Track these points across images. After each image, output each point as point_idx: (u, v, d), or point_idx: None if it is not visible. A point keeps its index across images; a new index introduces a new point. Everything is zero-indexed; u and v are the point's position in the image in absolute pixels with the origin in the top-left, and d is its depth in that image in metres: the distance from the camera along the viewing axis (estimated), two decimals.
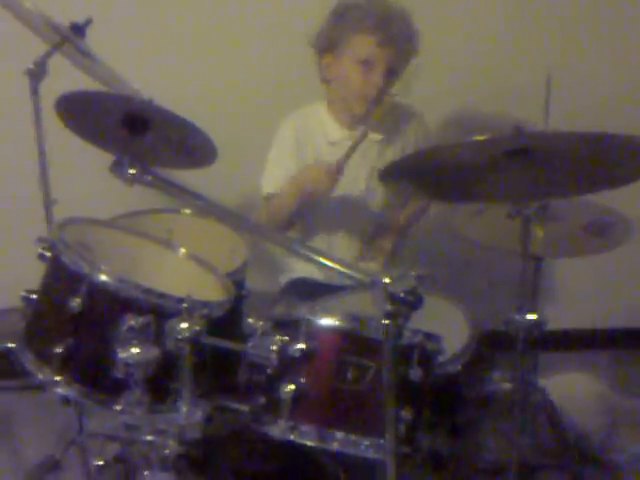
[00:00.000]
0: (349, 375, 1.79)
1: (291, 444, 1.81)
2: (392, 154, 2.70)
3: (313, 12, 2.60)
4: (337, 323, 1.84)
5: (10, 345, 2.01)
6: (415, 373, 1.82)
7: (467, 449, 2.27)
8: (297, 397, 1.79)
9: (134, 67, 2.58)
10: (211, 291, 2.12)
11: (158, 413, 1.83)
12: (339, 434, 1.79)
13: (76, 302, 1.88)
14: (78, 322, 1.89)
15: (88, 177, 2.78)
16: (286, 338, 1.81)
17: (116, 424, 1.83)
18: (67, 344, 1.88)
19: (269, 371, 1.83)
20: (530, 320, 2.00)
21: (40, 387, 1.98)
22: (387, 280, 1.60)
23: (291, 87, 2.99)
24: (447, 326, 2.15)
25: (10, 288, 2.10)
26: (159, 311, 1.87)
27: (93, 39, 2.48)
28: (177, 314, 1.82)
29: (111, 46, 2.55)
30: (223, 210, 1.98)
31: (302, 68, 2.64)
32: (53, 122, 2.21)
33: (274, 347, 1.80)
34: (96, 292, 1.89)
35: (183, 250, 2.28)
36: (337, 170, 2.49)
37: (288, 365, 1.81)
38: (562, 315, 3.33)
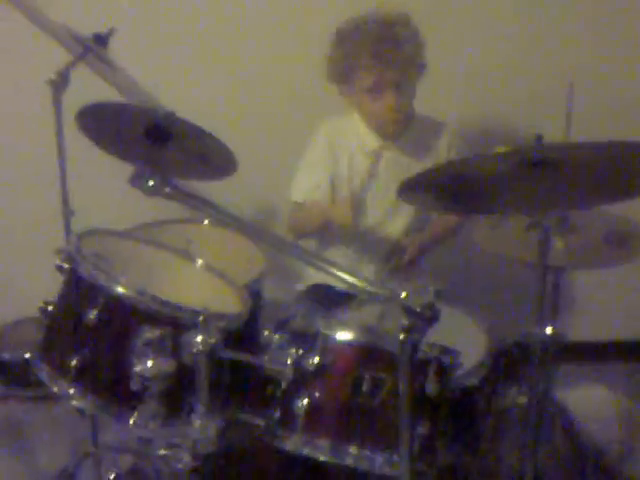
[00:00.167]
0: (364, 389, 1.79)
1: (306, 458, 1.81)
2: (424, 164, 2.65)
3: (332, 21, 2.59)
4: (353, 337, 1.84)
5: (27, 355, 2.01)
6: (431, 387, 1.82)
7: (485, 463, 2.26)
8: (311, 411, 1.79)
9: (156, 78, 2.59)
10: (228, 303, 2.11)
11: (172, 426, 1.83)
12: (353, 449, 1.79)
13: (93, 314, 1.88)
14: (94, 334, 1.90)
15: (108, 188, 2.79)
16: (301, 352, 1.81)
17: (130, 437, 1.83)
18: (83, 356, 1.88)
19: (284, 384, 1.83)
20: (548, 334, 1.99)
21: (55, 398, 1.99)
22: (404, 294, 1.59)
23: (311, 98, 2.99)
24: (465, 339, 2.14)
25: (28, 298, 2.10)
26: (176, 324, 1.86)
27: (115, 50, 2.49)
28: (194, 327, 1.82)
29: (133, 57, 2.56)
30: (241, 222, 1.98)
31: (321, 77, 2.64)
32: (74, 133, 2.22)
33: (289, 360, 1.80)
34: (113, 304, 1.89)
35: (201, 261, 2.27)
36: (354, 202, 2.51)
37: (303, 379, 1.81)
38: (581, 327, 3.31)
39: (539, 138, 1.79)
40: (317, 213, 2.64)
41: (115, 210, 2.94)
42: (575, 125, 2.36)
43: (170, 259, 2.27)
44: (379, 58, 2.48)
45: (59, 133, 2.44)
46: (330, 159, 2.67)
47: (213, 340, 1.79)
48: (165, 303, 1.89)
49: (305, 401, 1.79)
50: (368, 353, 1.83)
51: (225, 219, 1.93)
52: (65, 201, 2.52)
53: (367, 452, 1.79)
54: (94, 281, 1.92)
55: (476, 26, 3.19)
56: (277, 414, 1.86)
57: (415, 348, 1.62)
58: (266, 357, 1.85)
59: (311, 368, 1.80)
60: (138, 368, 1.80)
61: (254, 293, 2.25)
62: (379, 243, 2.74)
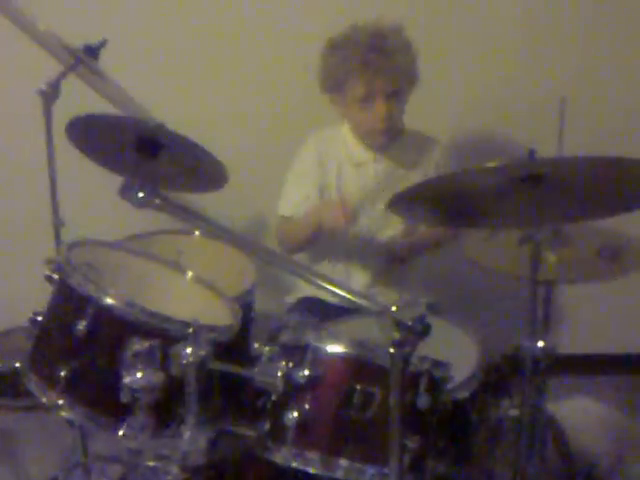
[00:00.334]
0: (355, 402, 1.78)
1: (296, 471, 1.80)
2: (414, 179, 2.64)
3: (325, 34, 2.59)
4: (343, 350, 1.83)
5: (17, 365, 2.00)
6: (422, 400, 1.81)
7: (476, 476, 2.25)
8: (301, 424, 1.78)
9: (146, 89, 2.59)
10: (218, 315, 2.11)
11: (162, 438, 1.82)
12: (344, 462, 1.78)
13: (82, 325, 1.87)
14: (83, 345, 1.89)
15: (98, 198, 2.78)
16: (291, 364, 1.81)
17: (120, 447, 1.82)
18: (72, 367, 1.87)
19: (274, 397, 1.83)
20: (539, 347, 1.98)
21: (45, 408, 1.98)
22: (394, 308, 1.59)
23: (303, 110, 2.99)
24: (456, 352, 2.15)
25: (18, 308, 2.11)
26: (165, 335, 1.86)
27: (106, 61, 2.49)
28: (183, 338, 1.81)
29: (124, 68, 2.55)
30: (232, 234, 1.97)
31: (313, 90, 2.64)
32: (64, 143, 2.22)
33: (279, 373, 1.79)
34: (102, 315, 1.88)
35: (191, 273, 2.27)
36: (352, 211, 2.50)
37: (293, 391, 1.80)
38: (572, 340, 3.31)
39: (531, 153, 1.78)
40: (307, 217, 2.62)
41: (105, 221, 2.94)
42: (567, 140, 2.36)
43: (160, 270, 2.27)
44: (369, 66, 2.48)
45: (49, 144, 2.44)
46: (318, 171, 2.67)
47: (203, 352, 1.78)
48: (154, 315, 1.88)
49: (295, 413, 1.78)
50: (359, 366, 1.83)
51: (215, 231, 1.92)
52: (55, 211, 2.52)
53: (357, 465, 1.77)
54: (83, 292, 1.91)
55: (470, 41, 3.20)
56: (267, 426, 1.85)
57: (406, 361, 1.61)
58: (256, 369, 1.83)
59: (301, 380, 1.79)
60: (127, 380, 1.79)
61: (245, 305, 2.25)
62: (369, 255, 2.73)
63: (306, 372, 1.79)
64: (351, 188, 2.68)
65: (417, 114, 2.68)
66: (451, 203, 1.93)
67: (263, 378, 1.82)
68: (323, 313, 2.39)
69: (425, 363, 1.82)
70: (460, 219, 2.06)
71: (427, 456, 1.84)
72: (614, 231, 2.49)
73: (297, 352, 1.83)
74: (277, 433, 1.81)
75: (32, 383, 1.94)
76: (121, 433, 1.81)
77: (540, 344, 1.99)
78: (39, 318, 2.01)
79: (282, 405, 1.81)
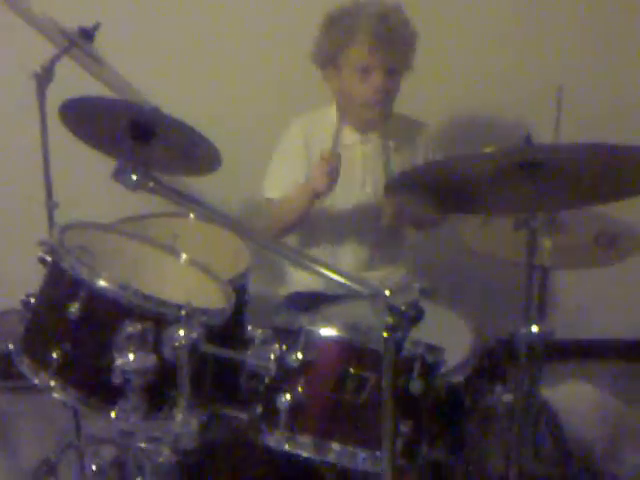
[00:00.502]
0: (347, 386, 1.78)
1: (289, 454, 1.80)
2: (400, 161, 2.69)
3: (317, 15, 2.59)
4: (336, 333, 1.82)
5: (10, 346, 2.00)
6: (416, 385, 1.80)
7: (469, 461, 2.25)
8: (294, 407, 1.77)
9: (140, 72, 2.58)
10: (212, 298, 2.10)
11: (154, 421, 1.81)
12: (336, 446, 1.77)
13: (75, 307, 1.86)
14: (76, 328, 1.88)
15: (93, 181, 2.77)
16: (285, 347, 1.80)
17: (113, 430, 1.82)
18: (64, 349, 1.87)
19: (267, 380, 1.82)
20: (534, 333, 1.98)
21: (38, 390, 1.96)
22: (388, 292, 1.58)
23: (295, 93, 2.99)
24: (450, 337, 2.14)
25: (11, 290, 2.10)
26: (158, 318, 1.85)
27: (101, 44, 2.48)
28: (177, 321, 1.80)
29: (118, 51, 2.54)
30: (225, 217, 1.96)
31: (305, 73, 2.64)
32: (58, 126, 2.21)
33: (272, 356, 1.80)
34: (95, 298, 1.88)
35: (185, 256, 2.26)
36: (331, 159, 2.48)
37: (286, 375, 1.80)
38: (567, 325, 3.30)
39: (528, 138, 1.77)
40: (299, 191, 2.60)
41: (100, 203, 2.94)
42: (564, 128, 2.35)
43: (154, 253, 2.26)
44: (373, 35, 2.48)
45: (43, 126, 2.44)
46: (305, 155, 2.66)
47: (195, 335, 1.78)
48: (147, 297, 1.88)
49: (288, 397, 1.77)
50: (352, 350, 1.82)
51: (209, 214, 1.92)
52: (49, 193, 2.51)
53: (350, 449, 1.77)
54: (76, 274, 1.90)
55: (466, 28, 3.20)
56: (260, 410, 1.85)
57: (399, 346, 1.61)
58: (249, 352, 1.83)
59: (294, 364, 1.78)
60: (120, 362, 1.78)
61: (239, 288, 2.24)
62: (367, 227, 2.72)
63: (299, 355, 1.79)
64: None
65: (412, 100, 2.68)
66: (447, 189, 1.92)
67: (256, 361, 1.82)
68: (316, 304, 2.37)
69: (419, 348, 1.81)
70: (456, 205, 2.06)
71: (420, 441, 1.84)
72: (611, 217, 2.49)
73: (290, 335, 1.82)
74: (269, 416, 1.81)
75: (24, 365, 1.94)
76: (113, 415, 1.81)
77: (535, 329, 1.98)
78: (32, 300, 2.00)
79: (275, 388, 1.80)
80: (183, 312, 1.80)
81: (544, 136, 2.16)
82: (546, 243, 2.36)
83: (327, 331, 1.83)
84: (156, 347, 1.81)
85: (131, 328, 1.82)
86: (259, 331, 1.86)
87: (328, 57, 2.58)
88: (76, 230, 2.09)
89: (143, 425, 1.80)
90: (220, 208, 1.91)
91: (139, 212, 2.54)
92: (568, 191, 1.93)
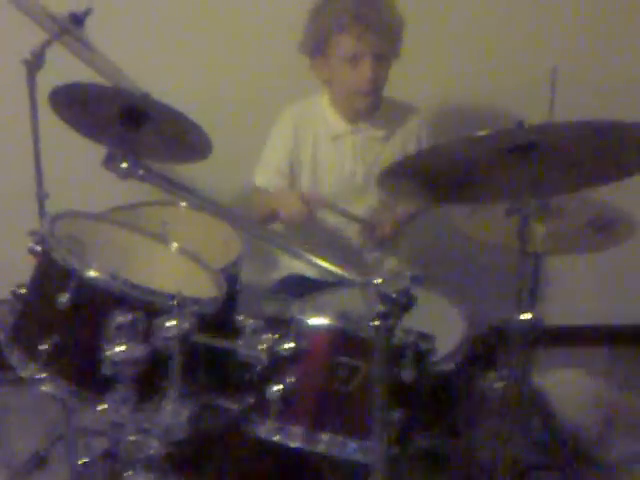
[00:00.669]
0: (339, 375, 1.77)
1: (280, 444, 1.79)
2: (392, 150, 2.68)
3: (311, 2, 2.57)
4: (327, 322, 1.82)
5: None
6: (408, 373, 1.80)
7: (462, 448, 2.25)
8: (285, 398, 1.77)
9: (132, 59, 2.55)
10: (203, 287, 2.09)
11: (144, 412, 1.81)
12: (326, 436, 1.77)
13: (65, 297, 1.85)
14: (66, 318, 1.87)
15: (83, 170, 2.75)
16: (276, 337, 1.79)
17: (103, 421, 1.82)
18: (54, 340, 1.86)
19: (258, 370, 1.81)
20: (526, 319, 1.98)
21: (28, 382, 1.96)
22: (379, 280, 1.58)
23: (287, 81, 2.97)
24: (443, 324, 2.14)
25: (1, 280, 2.08)
26: (149, 308, 1.84)
27: (92, 30, 2.45)
28: (167, 311, 1.80)
29: (109, 38, 2.52)
30: (216, 205, 1.95)
31: (298, 61, 2.62)
32: (48, 113, 2.19)
33: (263, 346, 1.78)
34: (85, 288, 1.86)
35: (176, 245, 2.25)
36: (311, 201, 2.49)
37: (277, 364, 1.79)
38: (559, 311, 3.32)
39: (520, 124, 1.76)
40: (268, 204, 2.63)
41: (90, 192, 2.92)
42: (558, 111, 2.35)
43: (145, 242, 2.25)
44: (361, 20, 2.46)
45: (33, 114, 2.42)
46: (293, 144, 2.65)
47: (186, 325, 1.77)
48: (138, 287, 1.87)
49: (279, 387, 1.77)
50: (343, 338, 1.81)
51: (200, 203, 1.91)
52: (39, 183, 2.50)
53: (340, 439, 1.77)
54: (66, 264, 1.89)
55: (458, 10, 3.17)
56: (251, 400, 1.84)
57: (390, 334, 1.60)
58: (240, 342, 1.82)
59: (286, 353, 1.78)
60: (109, 353, 1.78)
61: (231, 277, 2.23)
62: (345, 228, 2.72)
63: (290, 345, 1.78)
64: (327, 164, 2.67)
65: (404, 84, 2.67)
66: (439, 175, 1.91)
67: (247, 351, 1.81)
68: (308, 290, 2.37)
69: (410, 335, 1.81)
70: (448, 192, 2.05)
71: (412, 429, 1.83)
72: (604, 203, 2.48)
73: (282, 325, 1.82)
74: (261, 407, 1.80)
75: (14, 357, 1.92)
76: (103, 407, 1.80)
77: (527, 316, 1.97)
78: (22, 291, 1.99)
79: (266, 378, 1.79)
80: (174, 302, 1.80)
81: (539, 119, 2.16)
82: (539, 229, 2.36)
83: (318, 320, 1.82)
84: (146, 337, 1.80)
85: (121, 318, 1.81)
86: (250, 321, 1.85)
87: (316, 46, 2.56)
88: (66, 220, 2.08)
89: (133, 416, 1.80)
90: (211, 196, 1.90)
91: (130, 201, 2.53)
92: (562, 174, 1.92)
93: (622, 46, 3.28)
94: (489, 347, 2.23)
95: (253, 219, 2.66)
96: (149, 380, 1.82)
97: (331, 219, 2.69)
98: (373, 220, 2.70)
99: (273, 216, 2.60)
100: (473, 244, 2.56)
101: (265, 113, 2.73)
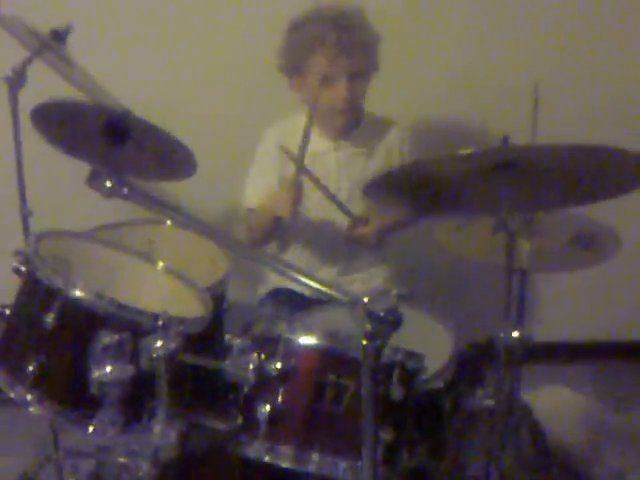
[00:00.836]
0: (327, 395, 1.77)
1: (269, 464, 1.78)
2: (375, 165, 2.69)
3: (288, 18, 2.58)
4: (315, 341, 1.82)
5: None
6: (396, 392, 1.80)
7: (450, 466, 2.24)
8: (274, 417, 1.76)
9: (114, 75, 2.55)
10: (190, 306, 2.08)
11: (132, 433, 1.79)
12: (316, 456, 1.76)
13: (50, 318, 1.83)
14: (52, 339, 1.86)
15: (68, 188, 2.73)
16: (264, 356, 1.78)
17: (91, 442, 1.80)
18: (40, 361, 1.84)
19: (246, 390, 1.81)
20: (514, 336, 1.97)
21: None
22: (366, 299, 1.57)
23: (272, 98, 2.95)
24: (430, 342, 2.13)
25: None
26: (135, 328, 1.83)
27: (73, 47, 2.44)
28: (154, 331, 1.78)
29: (91, 54, 2.51)
30: (201, 224, 1.94)
31: (283, 78, 2.62)
32: (31, 131, 2.17)
33: (251, 365, 1.78)
34: (70, 308, 1.85)
35: (161, 264, 2.24)
36: (294, 190, 2.48)
37: (265, 384, 1.78)
38: (547, 328, 3.31)
39: (505, 140, 1.76)
40: (261, 208, 2.62)
41: (75, 211, 2.89)
42: (541, 128, 2.35)
43: (131, 261, 2.24)
44: (333, 42, 2.46)
45: (16, 132, 2.40)
46: (279, 161, 2.64)
47: (173, 345, 1.76)
48: (124, 307, 1.85)
49: (267, 407, 1.76)
50: (331, 358, 1.81)
51: (186, 221, 1.90)
52: (23, 201, 2.48)
53: (330, 458, 1.76)
54: (51, 284, 1.88)
55: (442, 26, 3.18)
56: (239, 420, 1.83)
57: (378, 353, 1.59)
58: (228, 362, 1.81)
59: (274, 373, 1.77)
60: (96, 374, 1.76)
61: (217, 296, 2.22)
62: (341, 236, 2.70)
63: (278, 364, 1.78)
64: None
65: (387, 100, 2.67)
66: (423, 190, 1.91)
67: (235, 370, 1.80)
68: (295, 304, 2.37)
69: (398, 354, 1.81)
70: (433, 207, 2.05)
71: (401, 448, 1.83)
72: (589, 220, 2.49)
73: (269, 344, 1.81)
74: (249, 427, 1.80)
75: (1, 378, 1.90)
76: (91, 429, 1.78)
77: (515, 333, 1.97)
78: (7, 311, 1.98)
79: (254, 398, 1.79)
80: (160, 321, 1.78)
81: (523, 136, 2.16)
82: (524, 246, 2.36)
83: (306, 339, 1.82)
84: (133, 357, 1.79)
85: (107, 338, 1.79)
86: (237, 340, 1.84)
87: (292, 65, 2.57)
88: (51, 239, 2.07)
89: (121, 438, 1.78)
90: (197, 214, 1.89)
91: (115, 219, 2.51)
92: (545, 192, 1.92)
93: (605, 62, 3.29)
94: (477, 364, 2.22)
95: (252, 241, 2.69)
96: (137, 401, 1.80)
97: (320, 214, 2.69)
98: (363, 216, 2.67)
99: (273, 221, 2.58)
100: (459, 261, 2.55)
101: (250, 130, 2.72)
